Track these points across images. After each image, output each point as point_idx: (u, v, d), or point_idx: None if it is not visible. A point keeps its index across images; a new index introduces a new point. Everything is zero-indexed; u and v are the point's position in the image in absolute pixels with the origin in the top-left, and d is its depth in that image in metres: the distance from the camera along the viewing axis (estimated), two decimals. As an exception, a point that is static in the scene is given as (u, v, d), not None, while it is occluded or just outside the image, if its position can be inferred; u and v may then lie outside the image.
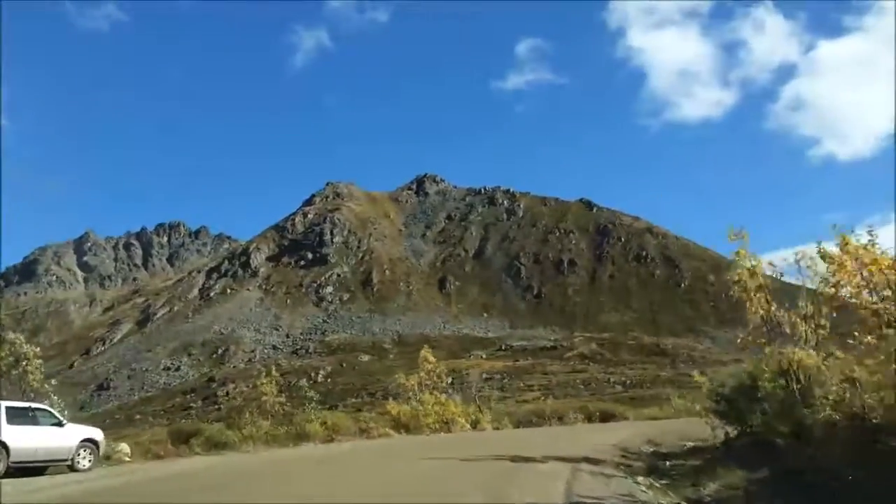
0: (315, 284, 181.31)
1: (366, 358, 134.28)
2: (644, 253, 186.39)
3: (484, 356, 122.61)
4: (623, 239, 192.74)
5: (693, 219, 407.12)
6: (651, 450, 19.03)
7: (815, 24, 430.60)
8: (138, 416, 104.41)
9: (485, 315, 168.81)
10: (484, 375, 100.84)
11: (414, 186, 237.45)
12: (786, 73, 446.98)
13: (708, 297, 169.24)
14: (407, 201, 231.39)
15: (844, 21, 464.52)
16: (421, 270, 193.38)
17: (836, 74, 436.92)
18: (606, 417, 25.66)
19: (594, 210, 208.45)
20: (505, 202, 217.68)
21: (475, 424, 26.06)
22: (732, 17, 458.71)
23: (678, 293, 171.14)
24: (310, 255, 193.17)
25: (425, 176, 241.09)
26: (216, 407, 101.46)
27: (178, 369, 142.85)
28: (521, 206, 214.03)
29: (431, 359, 27.40)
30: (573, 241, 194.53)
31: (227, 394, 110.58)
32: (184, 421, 69.82)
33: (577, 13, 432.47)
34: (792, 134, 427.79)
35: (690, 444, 19.04)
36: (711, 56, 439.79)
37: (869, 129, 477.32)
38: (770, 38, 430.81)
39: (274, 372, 25.83)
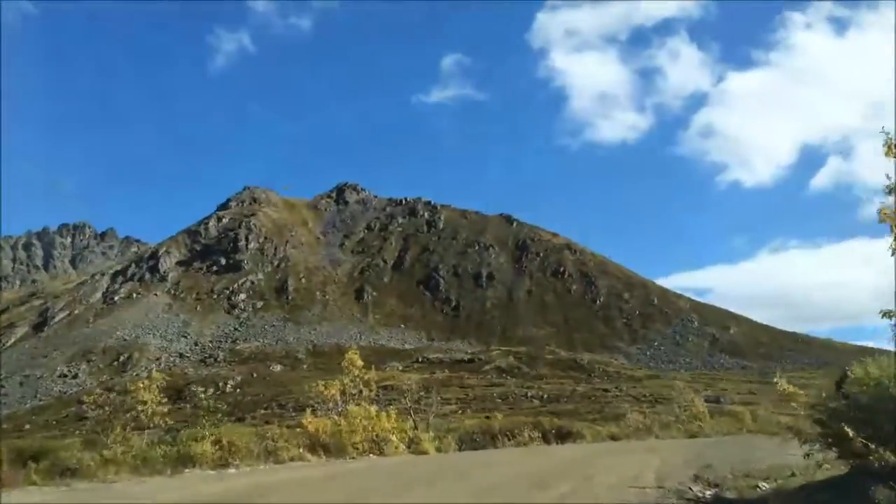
0: (227, 291, 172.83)
1: (278, 368, 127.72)
2: (562, 269, 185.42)
3: (400, 368, 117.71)
4: (542, 254, 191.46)
5: (609, 237, 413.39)
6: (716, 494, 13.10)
7: (726, 56, 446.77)
8: (28, 426, 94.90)
9: (402, 326, 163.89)
10: (411, 385, 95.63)
11: (334, 195, 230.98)
12: (698, 101, 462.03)
13: (622, 314, 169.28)
14: (326, 209, 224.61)
15: (753, 55, 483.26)
16: (338, 280, 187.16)
17: (744, 105, 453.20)
18: (563, 436, 21.16)
19: (514, 225, 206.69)
20: (426, 214, 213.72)
21: (411, 444, 20.89)
22: (650, 46, 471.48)
23: (594, 309, 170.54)
24: (223, 261, 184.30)
25: (346, 185, 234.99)
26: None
27: (75, 376, 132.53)
28: (442, 218, 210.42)
29: (359, 362, 22.19)
30: (493, 256, 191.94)
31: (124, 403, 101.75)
32: (78, 434, 61.84)
33: (501, 32, 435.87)
34: (702, 160, 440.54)
35: (766, 484, 13.15)
36: (629, 81, 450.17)
37: (771, 159, 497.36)
38: (684, 68, 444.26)
39: (156, 374, 20.16)
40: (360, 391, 21.28)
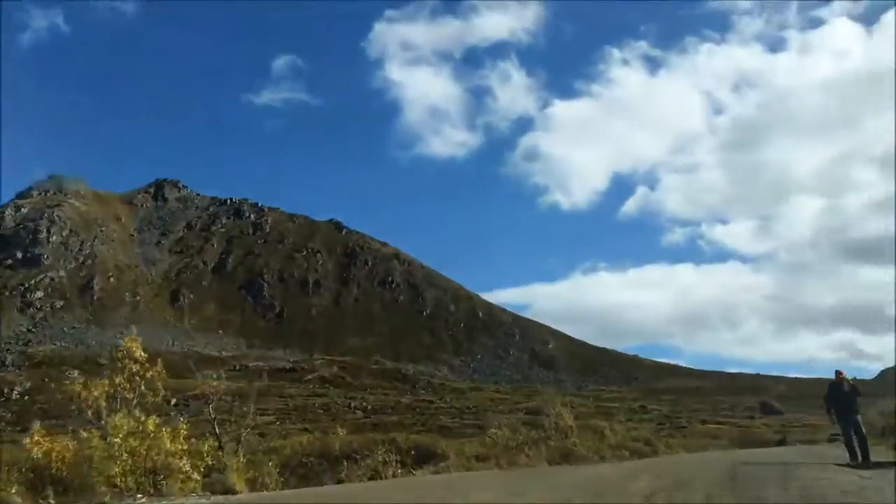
0: (22, 288, 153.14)
1: (75, 374, 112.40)
2: (390, 279, 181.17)
3: (216, 376, 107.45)
4: (370, 263, 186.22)
5: (438, 250, 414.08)
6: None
7: (552, 83, 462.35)
8: None
9: (220, 332, 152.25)
10: (217, 388, 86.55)
11: (152, 190, 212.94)
12: (525, 125, 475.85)
13: (448, 326, 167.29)
14: (143, 205, 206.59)
15: (576, 85, 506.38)
16: (152, 280, 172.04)
17: (566, 132, 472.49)
18: (424, 456, 15.93)
19: (343, 232, 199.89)
20: (252, 216, 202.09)
21: (212, 473, 13.68)
22: (482, 66, 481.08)
23: (420, 320, 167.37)
24: (19, 255, 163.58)
25: (166, 180, 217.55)
26: None
27: None
28: (269, 221, 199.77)
29: (141, 353, 15.19)
30: (320, 262, 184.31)
31: None
32: None
33: (338, 38, 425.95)
34: (526, 181, 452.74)
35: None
36: (461, 99, 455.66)
37: (588, 184, 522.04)
38: (513, 91, 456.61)
39: None
40: (142, 394, 14.25)
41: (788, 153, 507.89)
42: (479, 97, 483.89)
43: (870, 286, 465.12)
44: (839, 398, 16.45)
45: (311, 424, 73.18)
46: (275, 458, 15.05)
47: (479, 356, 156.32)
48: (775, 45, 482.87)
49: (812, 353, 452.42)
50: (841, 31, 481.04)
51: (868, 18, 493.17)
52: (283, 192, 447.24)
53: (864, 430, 16.13)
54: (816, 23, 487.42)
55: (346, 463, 13.99)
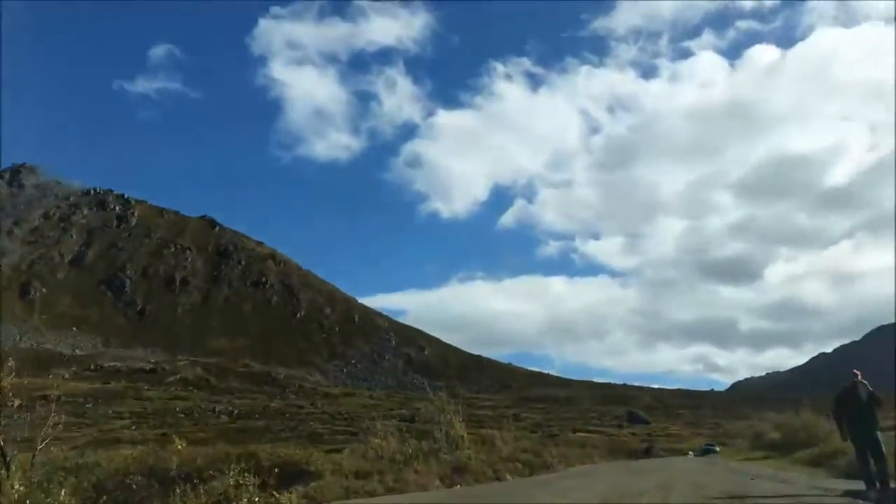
0: None
1: None
2: (264, 279, 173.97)
3: (68, 376, 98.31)
4: (244, 262, 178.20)
5: (316, 252, 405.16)
6: None
7: (437, 93, 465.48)
8: None
9: (75, 329, 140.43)
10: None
11: (7, 175, 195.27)
12: (409, 132, 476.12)
13: (322, 329, 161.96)
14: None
15: (461, 96, 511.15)
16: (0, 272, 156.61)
17: (449, 142, 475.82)
18: (289, 475, 12.41)
19: (216, 229, 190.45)
20: (117, 208, 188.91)
21: None
22: (369, 71, 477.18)
23: (294, 323, 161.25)
24: None
25: (23, 165, 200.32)
26: None
27: None
28: (136, 214, 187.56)
29: None
30: (189, 259, 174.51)
31: None
32: None
33: (221, 31, 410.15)
34: (408, 188, 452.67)
35: None
36: (346, 102, 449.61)
37: (468, 194, 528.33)
38: (399, 98, 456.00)
39: None
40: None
41: (656, 175, 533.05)
42: (364, 102, 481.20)
43: (725, 304, 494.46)
44: (854, 408, 12.74)
45: (170, 429, 67.32)
46: (90, 476, 11.15)
47: (353, 361, 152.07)
48: (648, 72, 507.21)
49: (671, 365, 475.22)
50: (708, 63, 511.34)
51: (732, 53, 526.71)
52: (153, 185, 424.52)
53: (884, 450, 12.38)
54: (686, 54, 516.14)
55: (183, 486, 10.30)
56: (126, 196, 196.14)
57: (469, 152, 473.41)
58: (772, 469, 17.43)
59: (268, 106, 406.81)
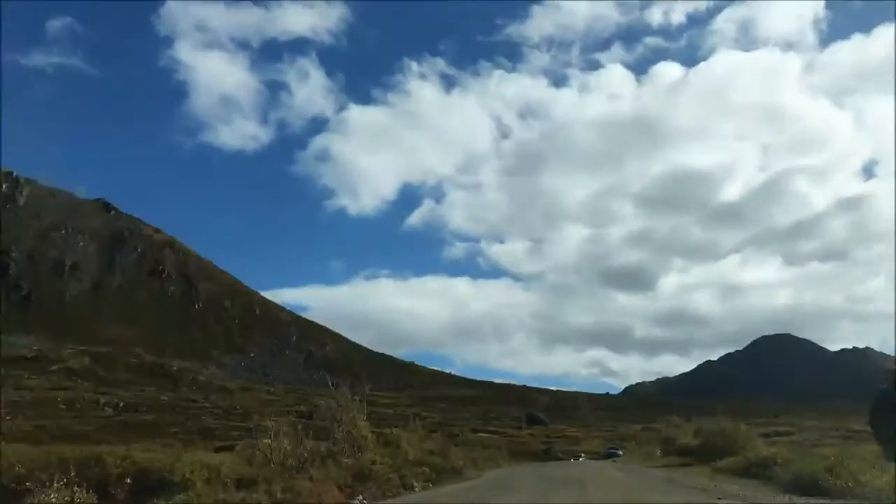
0: None
1: None
2: (161, 267, 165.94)
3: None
4: (140, 249, 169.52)
5: (218, 243, 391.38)
6: None
7: (350, 87, 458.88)
8: None
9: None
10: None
11: None
12: (319, 125, 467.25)
13: (221, 321, 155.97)
14: None
15: (373, 92, 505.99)
16: None
17: (360, 138, 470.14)
18: (149, 486, 9.78)
19: (112, 213, 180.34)
20: (4, 186, 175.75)
21: None
22: (280, 60, 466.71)
23: (191, 314, 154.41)
24: None
25: None
26: None
27: None
28: (24, 194, 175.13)
29: None
30: (81, 243, 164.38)
31: None
32: None
33: (125, 7, 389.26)
34: (316, 182, 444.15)
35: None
36: (255, 91, 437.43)
37: (377, 192, 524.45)
38: (310, 90, 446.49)
39: None
40: None
41: (562, 183, 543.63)
42: (274, 91, 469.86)
43: (622, 310, 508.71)
44: None
45: (48, 421, 62.50)
46: None
47: (252, 355, 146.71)
48: (559, 81, 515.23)
49: (569, 367, 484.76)
50: (616, 76, 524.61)
51: (640, 68, 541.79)
52: (45, 164, 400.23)
53: None
54: (595, 65, 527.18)
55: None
56: (14, 174, 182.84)
57: (379, 150, 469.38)
58: (704, 479, 16.10)
59: (172, 89, 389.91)
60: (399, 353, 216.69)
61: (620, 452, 63.00)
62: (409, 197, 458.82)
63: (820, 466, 12.09)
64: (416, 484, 17.61)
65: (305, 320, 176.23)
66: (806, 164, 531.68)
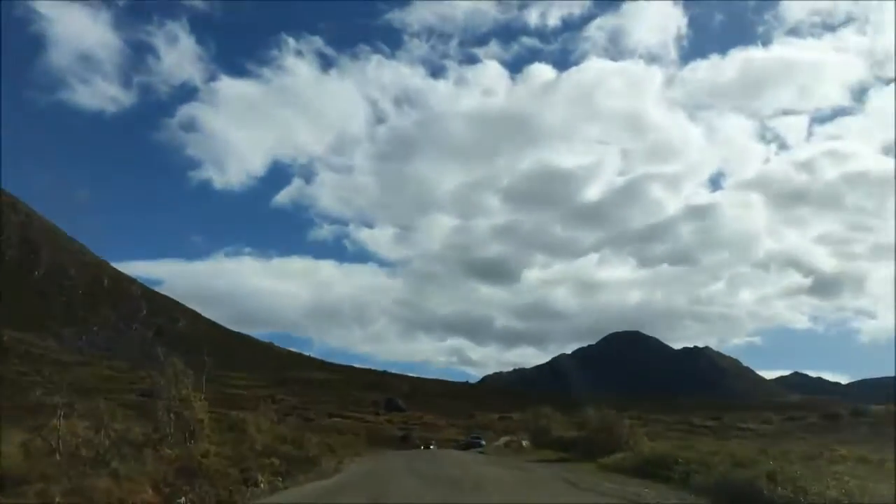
0: None
1: None
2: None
3: None
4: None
5: (67, 208, 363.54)
6: None
7: (222, 57, 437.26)
8: None
9: None
10: None
11: None
12: (187, 93, 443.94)
13: (63, 291, 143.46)
14: None
15: (247, 64, 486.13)
16: None
17: (230, 110, 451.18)
18: None
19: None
20: None
21: None
22: (149, 21, 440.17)
23: (31, 281, 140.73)
24: None
25: None
26: None
27: None
28: None
29: None
30: None
31: None
32: None
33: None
34: (180, 152, 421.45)
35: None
36: (119, 51, 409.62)
37: (244, 167, 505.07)
38: (180, 56, 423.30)
39: None
40: None
41: (433, 172, 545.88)
42: (140, 53, 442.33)
43: (483, 301, 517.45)
44: None
45: None
46: None
47: (94, 328, 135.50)
48: (437, 72, 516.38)
49: (428, 355, 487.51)
50: (491, 72, 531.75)
51: (515, 66, 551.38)
52: None
53: None
54: (473, 59, 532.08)
55: None
56: None
57: (250, 124, 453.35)
58: (600, 478, 13.93)
59: (26, 41, 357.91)
60: (257, 333, 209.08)
61: (483, 442, 61.59)
62: (277, 174, 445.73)
63: (757, 472, 10.02)
64: (261, 479, 14.30)
65: (158, 294, 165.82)
66: (661, 171, 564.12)
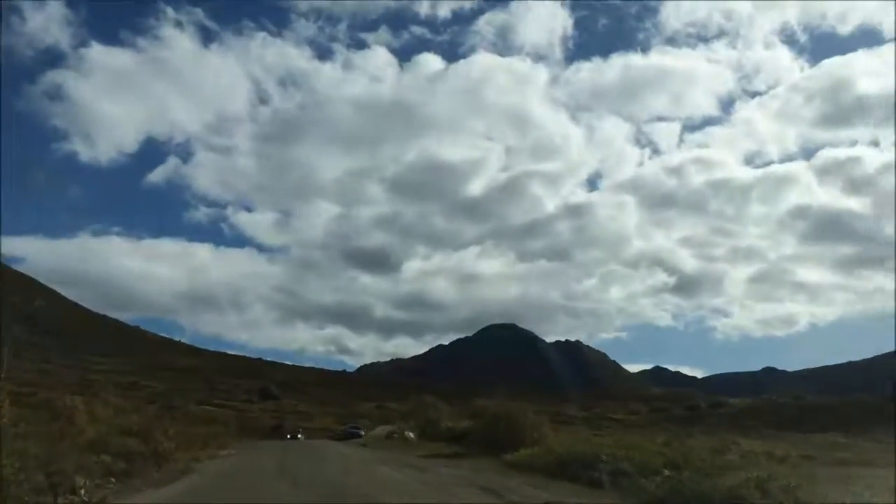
0: None
1: None
2: None
3: None
4: None
5: None
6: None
7: (94, 23, 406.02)
8: None
9: None
10: None
11: None
12: (53, 59, 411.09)
13: None
14: None
15: (121, 32, 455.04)
16: None
17: (102, 79, 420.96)
18: None
19: None
20: None
21: None
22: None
23: None
24: None
25: None
26: None
27: None
28: None
29: None
30: None
31: None
32: None
33: None
34: (43, 123, 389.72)
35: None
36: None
37: (115, 141, 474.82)
38: (46, 18, 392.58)
39: None
40: None
41: (317, 158, 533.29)
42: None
43: (364, 290, 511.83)
44: None
45: None
46: None
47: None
48: (324, 54, 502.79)
49: (306, 344, 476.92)
50: (380, 59, 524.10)
51: (404, 55, 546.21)
52: None
53: None
54: (361, 44, 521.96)
55: None
56: None
57: (123, 96, 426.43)
58: (518, 481, 11.37)
59: None
60: (125, 316, 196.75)
61: (362, 432, 58.47)
62: (151, 152, 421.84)
63: (742, 479, 7.71)
64: (81, 486, 10.72)
65: (15, 272, 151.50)
66: (542, 169, 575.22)
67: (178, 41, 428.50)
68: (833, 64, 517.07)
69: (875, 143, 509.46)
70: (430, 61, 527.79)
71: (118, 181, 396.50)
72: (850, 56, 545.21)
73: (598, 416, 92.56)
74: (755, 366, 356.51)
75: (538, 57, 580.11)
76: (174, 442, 22.25)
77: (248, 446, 35.11)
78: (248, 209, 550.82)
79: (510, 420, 18.61)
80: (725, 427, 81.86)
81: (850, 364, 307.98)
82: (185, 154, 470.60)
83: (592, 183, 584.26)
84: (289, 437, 59.92)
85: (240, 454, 25.48)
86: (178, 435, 27.83)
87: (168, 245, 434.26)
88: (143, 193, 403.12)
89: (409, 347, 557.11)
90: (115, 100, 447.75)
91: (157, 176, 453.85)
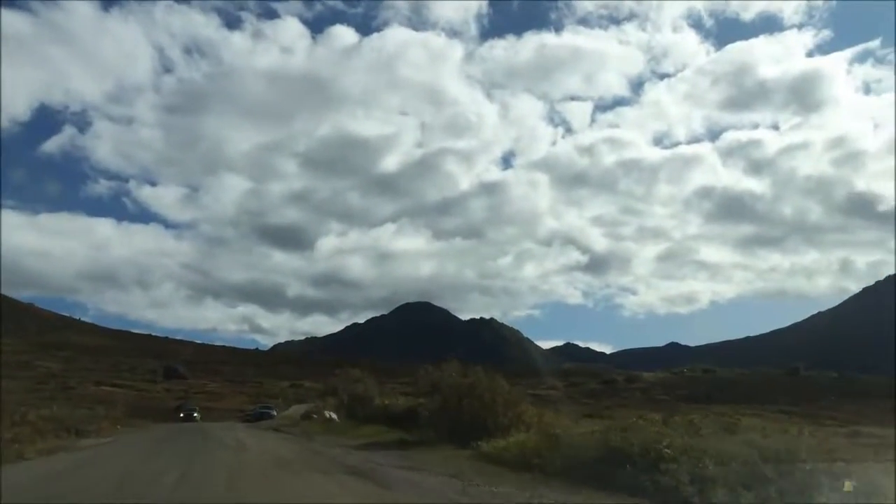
0: None
1: None
2: None
3: None
4: None
5: None
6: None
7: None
8: None
9: None
10: None
11: None
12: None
13: None
14: None
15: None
16: None
17: None
18: None
19: None
20: None
21: None
22: None
23: None
24: None
25: None
26: None
27: None
28: None
29: None
30: None
31: None
32: None
33: None
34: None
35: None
36: None
37: (5, 108, 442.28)
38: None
39: None
40: None
41: (226, 130, 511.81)
42: None
43: (277, 268, 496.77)
44: None
45: None
46: None
47: None
48: (232, 23, 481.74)
49: (216, 322, 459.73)
50: (291, 29, 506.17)
51: (316, 26, 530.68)
52: None
53: None
54: (272, 14, 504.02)
55: None
56: None
57: (14, 61, 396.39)
58: (514, 487, 6.85)
59: None
60: (20, 295, 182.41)
61: (274, 412, 52.75)
62: (45, 120, 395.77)
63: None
64: None
65: None
66: (457, 146, 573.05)
67: (76, 5, 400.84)
68: (737, 49, 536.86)
69: (775, 127, 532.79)
70: (344, 34, 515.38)
71: (10, 151, 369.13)
72: (752, 41, 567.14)
73: (521, 392, 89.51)
74: (660, 341, 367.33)
75: (453, 32, 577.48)
76: (28, 428, 16.68)
77: (135, 430, 29.24)
78: (153, 183, 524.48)
79: (482, 398, 14.03)
80: (639, 400, 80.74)
81: (747, 339, 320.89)
82: (83, 123, 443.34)
83: (506, 161, 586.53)
84: (182, 416, 53.11)
85: (108, 444, 19.94)
86: (47, 420, 22.03)
87: (66, 220, 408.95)
88: (37, 164, 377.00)
89: (324, 326, 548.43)
90: (5, 64, 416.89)
91: (52, 146, 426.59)
